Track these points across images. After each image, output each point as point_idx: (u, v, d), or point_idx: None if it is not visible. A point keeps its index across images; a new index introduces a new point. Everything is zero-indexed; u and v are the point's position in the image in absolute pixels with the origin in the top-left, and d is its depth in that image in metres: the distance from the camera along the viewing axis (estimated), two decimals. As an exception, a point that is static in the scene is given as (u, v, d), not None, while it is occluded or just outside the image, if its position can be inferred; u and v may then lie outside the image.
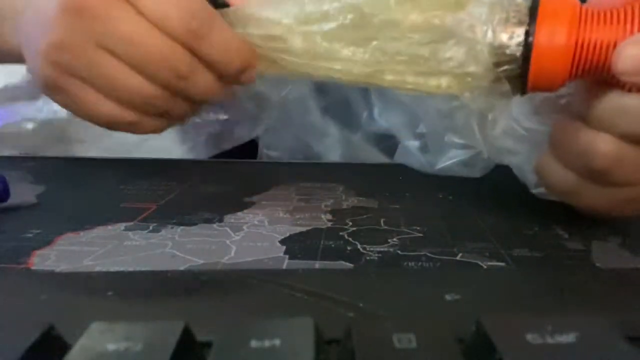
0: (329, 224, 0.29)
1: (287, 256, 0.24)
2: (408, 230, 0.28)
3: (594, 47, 0.22)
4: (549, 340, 0.12)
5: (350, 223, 0.29)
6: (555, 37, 0.22)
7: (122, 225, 0.28)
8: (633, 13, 0.22)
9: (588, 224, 0.29)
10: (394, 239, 0.26)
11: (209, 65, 0.27)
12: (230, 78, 0.28)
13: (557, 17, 0.22)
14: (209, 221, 0.29)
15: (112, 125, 0.28)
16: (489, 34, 0.23)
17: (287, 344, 0.12)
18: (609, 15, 0.22)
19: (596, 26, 0.22)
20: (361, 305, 0.17)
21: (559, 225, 0.29)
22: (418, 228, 0.28)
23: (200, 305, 0.18)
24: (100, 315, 0.14)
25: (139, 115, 0.28)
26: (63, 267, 0.23)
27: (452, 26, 0.24)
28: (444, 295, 0.18)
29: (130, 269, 0.23)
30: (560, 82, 0.23)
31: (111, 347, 0.12)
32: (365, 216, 0.30)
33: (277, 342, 0.12)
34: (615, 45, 0.22)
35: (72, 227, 0.28)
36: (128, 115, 0.28)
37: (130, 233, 0.27)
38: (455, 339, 0.13)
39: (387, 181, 0.40)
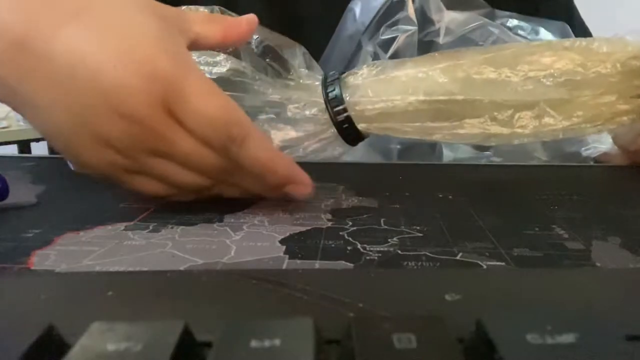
0: (329, 224, 0.29)
1: (287, 256, 0.24)
2: (408, 230, 0.28)
3: None
4: (549, 340, 0.12)
5: (350, 223, 0.29)
6: None
7: (122, 225, 0.28)
8: None
9: (588, 224, 0.29)
10: (394, 239, 0.26)
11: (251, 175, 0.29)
12: (271, 191, 0.31)
13: None
14: (209, 221, 0.29)
15: (152, 196, 0.30)
16: None
17: (287, 344, 0.12)
18: None
19: None
20: (361, 305, 0.17)
21: (559, 225, 0.29)
22: (418, 228, 0.28)
23: (200, 305, 0.18)
24: (100, 315, 0.14)
25: (182, 191, 0.30)
26: (63, 267, 0.23)
27: None
28: (444, 295, 0.18)
29: (130, 269, 0.23)
30: None
31: (111, 347, 0.12)
32: (365, 216, 0.30)
33: (277, 342, 0.12)
34: None
35: (72, 226, 0.28)
36: (172, 192, 0.30)
37: (130, 233, 0.27)
38: (455, 339, 0.13)
39: (387, 181, 0.40)
